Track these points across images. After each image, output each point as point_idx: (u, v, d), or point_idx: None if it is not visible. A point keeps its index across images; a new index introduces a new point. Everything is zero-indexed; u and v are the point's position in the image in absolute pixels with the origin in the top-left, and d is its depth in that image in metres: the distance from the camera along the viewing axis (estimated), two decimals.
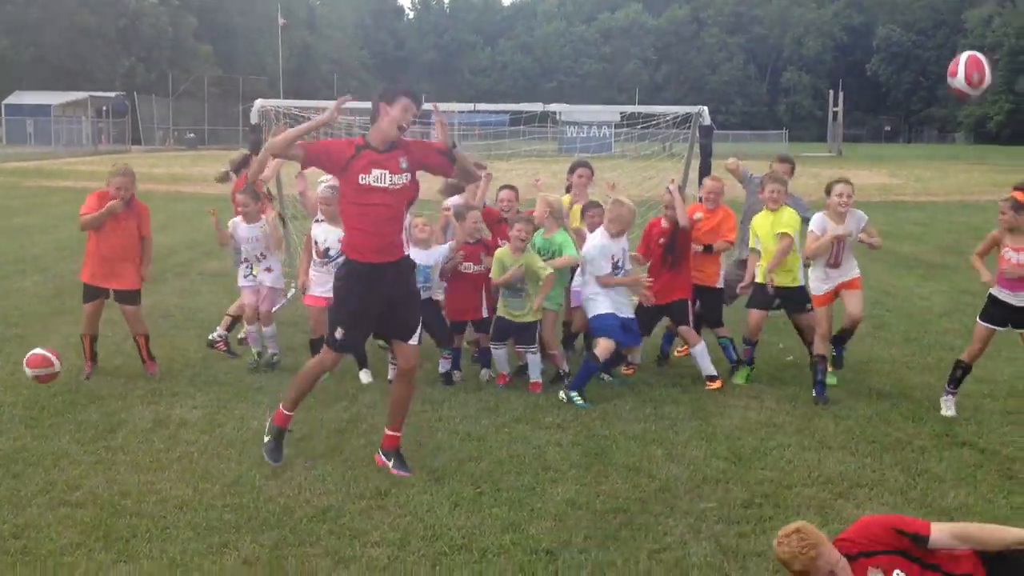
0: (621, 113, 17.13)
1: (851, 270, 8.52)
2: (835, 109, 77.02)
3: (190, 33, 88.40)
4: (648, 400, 8.29)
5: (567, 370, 8.82)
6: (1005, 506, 6.05)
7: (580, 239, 8.89)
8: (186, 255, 17.18)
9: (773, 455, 6.96)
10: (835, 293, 8.50)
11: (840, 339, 8.89)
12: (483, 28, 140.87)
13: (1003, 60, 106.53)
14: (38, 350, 8.05)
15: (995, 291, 7.85)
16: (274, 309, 9.35)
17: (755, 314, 8.87)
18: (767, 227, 8.69)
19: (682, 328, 8.91)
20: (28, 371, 7.94)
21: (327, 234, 8.68)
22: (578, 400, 8.09)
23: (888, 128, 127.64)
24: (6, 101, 71.43)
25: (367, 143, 6.22)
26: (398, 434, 6.58)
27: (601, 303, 8.44)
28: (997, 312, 7.84)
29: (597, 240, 8.53)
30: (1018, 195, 7.75)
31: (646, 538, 5.51)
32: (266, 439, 6.59)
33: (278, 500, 5.95)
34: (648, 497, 6.12)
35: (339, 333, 6.36)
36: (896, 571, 4.40)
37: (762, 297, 8.80)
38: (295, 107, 12.70)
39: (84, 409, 7.74)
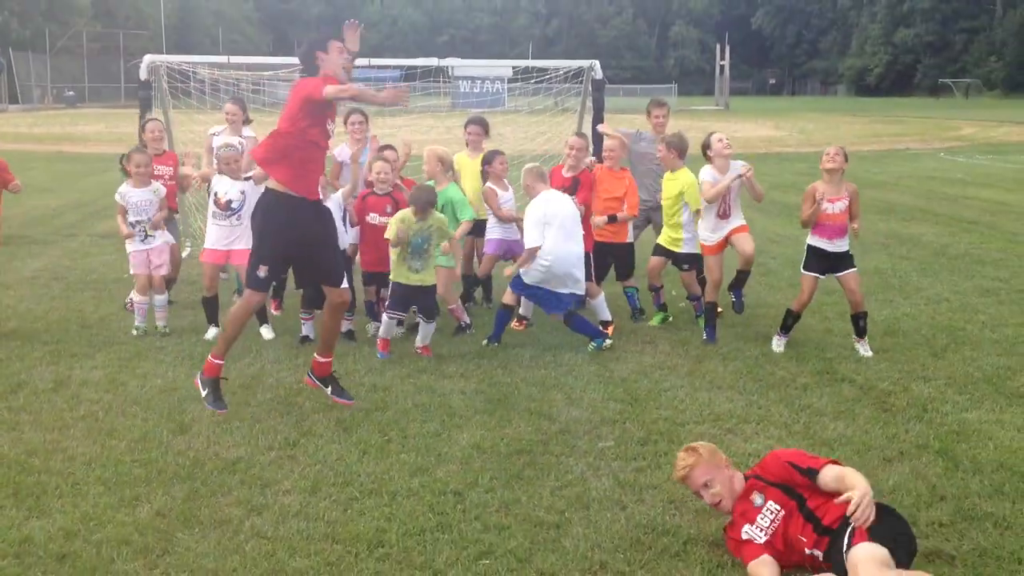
0: (514, 68, 17.25)
1: (738, 219, 8.89)
2: (721, 63, 78.32)
3: None
4: (547, 348, 8.55)
5: (468, 322, 9.03)
6: (880, 436, 6.48)
7: (491, 196, 9.14)
8: (73, 216, 16.81)
9: (667, 396, 7.30)
10: (726, 241, 8.85)
11: (738, 282, 9.23)
12: None
13: (881, 12, 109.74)
14: None
15: (813, 241, 8.41)
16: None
17: (654, 260, 9.42)
18: (671, 190, 9.11)
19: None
20: None
21: (228, 187, 8.65)
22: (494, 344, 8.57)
23: (773, 81, 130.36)
24: None
25: None
26: (330, 359, 6.91)
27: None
28: (817, 262, 8.41)
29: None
30: (842, 148, 8.44)
31: (548, 476, 5.76)
32: (204, 392, 6.61)
33: (187, 454, 6.02)
34: (549, 439, 6.38)
35: (261, 271, 6.49)
36: (769, 500, 4.72)
37: (661, 251, 9.39)
38: (185, 63, 12.51)
39: None
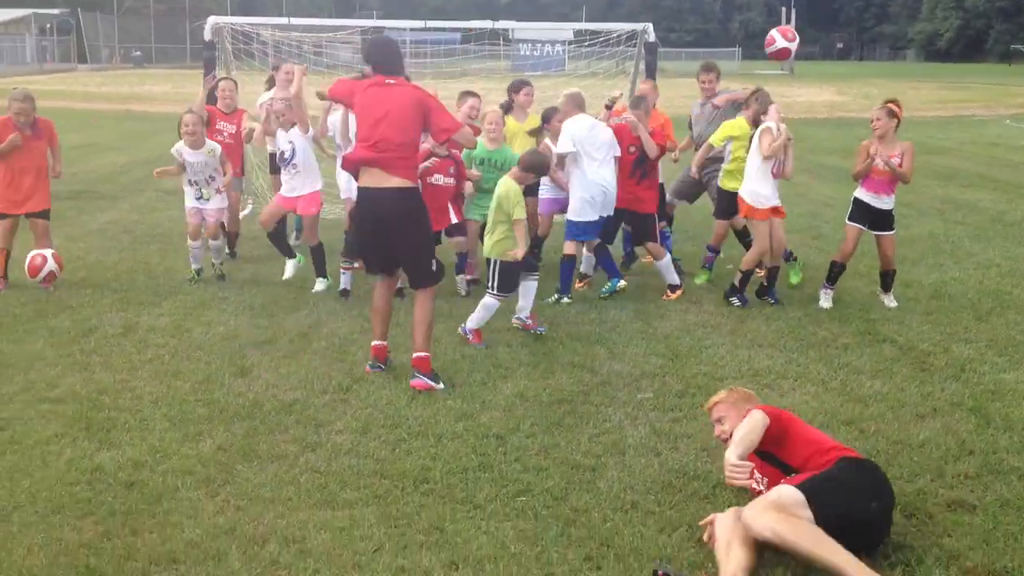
0: (573, 31, 17.33)
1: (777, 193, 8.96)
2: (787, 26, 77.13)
3: None
4: (593, 306, 8.78)
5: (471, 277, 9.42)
6: (916, 393, 6.62)
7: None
8: (140, 172, 17.28)
9: (708, 352, 7.50)
10: (772, 212, 8.89)
11: (770, 282, 9.08)
12: None
13: None
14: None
15: (860, 194, 8.64)
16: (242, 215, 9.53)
17: (720, 224, 9.71)
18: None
19: (649, 244, 9.35)
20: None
21: (280, 140, 9.12)
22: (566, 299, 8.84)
23: (840, 45, 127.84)
24: None
25: None
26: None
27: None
28: (861, 215, 8.64)
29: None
30: (893, 106, 8.47)
31: (587, 424, 6.01)
32: (439, 386, 6.57)
33: (247, 395, 6.38)
34: (590, 390, 6.63)
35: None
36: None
37: (726, 205, 9.50)
38: (248, 24, 12.83)
39: (55, 317, 8.08)
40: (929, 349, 7.62)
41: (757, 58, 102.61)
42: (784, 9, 79.66)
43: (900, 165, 8.37)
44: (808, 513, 4.28)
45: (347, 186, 9.22)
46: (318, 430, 5.83)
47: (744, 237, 9.52)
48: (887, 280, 8.85)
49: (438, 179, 8.89)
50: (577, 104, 9.01)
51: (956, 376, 6.98)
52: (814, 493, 4.35)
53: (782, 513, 4.26)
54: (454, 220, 9.03)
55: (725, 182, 9.43)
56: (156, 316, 8.16)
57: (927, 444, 5.74)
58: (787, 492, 4.38)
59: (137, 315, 8.16)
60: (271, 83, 10.64)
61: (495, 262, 7.69)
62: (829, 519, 4.28)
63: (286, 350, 7.32)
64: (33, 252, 8.82)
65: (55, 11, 72.67)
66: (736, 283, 8.91)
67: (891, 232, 8.63)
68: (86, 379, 6.64)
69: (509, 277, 7.71)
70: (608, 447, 5.67)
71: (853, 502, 4.41)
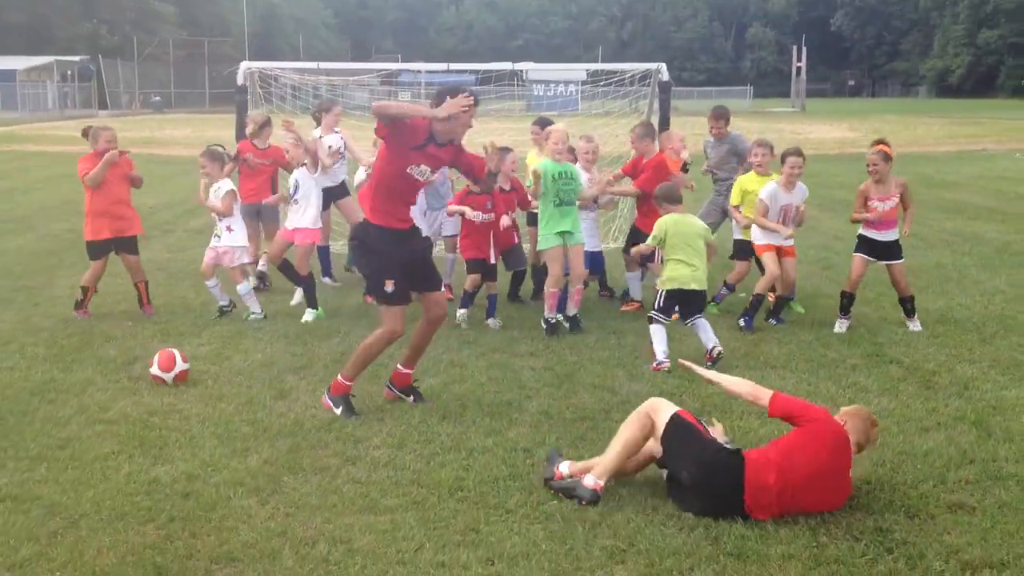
0: (587, 71, 17.83)
1: (791, 237, 9.49)
2: (798, 64, 77.89)
3: None
4: (612, 332, 9.18)
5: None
6: (921, 409, 6.97)
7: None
8: (168, 214, 17.84)
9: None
10: (777, 249, 9.39)
11: (777, 309, 9.67)
12: None
13: (964, 13, 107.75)
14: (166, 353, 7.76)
15: (864, 231, 9.22)
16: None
17: (741, 264, 10.17)
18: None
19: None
20: (165, 375, 7.53)
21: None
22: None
23: (852, 83, 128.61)
24: None
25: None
26: (412, 370, 7.18)
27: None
28: (867, 248, 9.20)
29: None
30: (885, 148, 8.91)
31: (608, 438, 6.34)
32: (338, 411, 6.82)
33: (288, 415, 6.79)
34: (611, 408, 7.00)
35: (389, 286, 6.76)
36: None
37: (744, 249, 10.04)
38: (278, 69, 13.38)
39: (101, 346, 8.53)
40: (934, 369, 7.97)
41: (768, 96, 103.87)
42: (795, 47, 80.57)
43: (899, 202, 8.91)
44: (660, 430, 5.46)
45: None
46: (357, 445, 6.23)
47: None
48: (907, 306, 9.25)
49: (476, 215, 9.31)
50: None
51: (960, 393, 7.33)
52: (676, 427, 5.45)
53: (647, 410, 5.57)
54: (493, 260, 9.53)
55: (743, 232, 9.99)
56: (196, 345, 8.58)
57: (930, 454, 6.08)
58: (663, 406, 5.59)
59: (178, 344, 8.55)
60: (318, 120, 11.20)
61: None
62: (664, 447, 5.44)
63: (321, 375, 7.72)
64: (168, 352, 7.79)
65: (76, 58, 74.14)
66: (748, 306, 9.37)
67: (899, 261, 9.09)
68: (136, 402, 7.06)
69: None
70: None
71: (676, 454, 5.42)
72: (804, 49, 77.74)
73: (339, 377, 6.95)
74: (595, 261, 10.26)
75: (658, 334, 8.14)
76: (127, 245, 9.72)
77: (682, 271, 8.17)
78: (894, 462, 5.97)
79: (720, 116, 10.82)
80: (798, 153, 9.40)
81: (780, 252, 9.43)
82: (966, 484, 5.65)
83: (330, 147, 10.50)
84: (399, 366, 7.20)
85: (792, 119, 57.35)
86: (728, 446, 5.60)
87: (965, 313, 9.88)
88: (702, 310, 8.46)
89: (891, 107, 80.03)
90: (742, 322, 9.28)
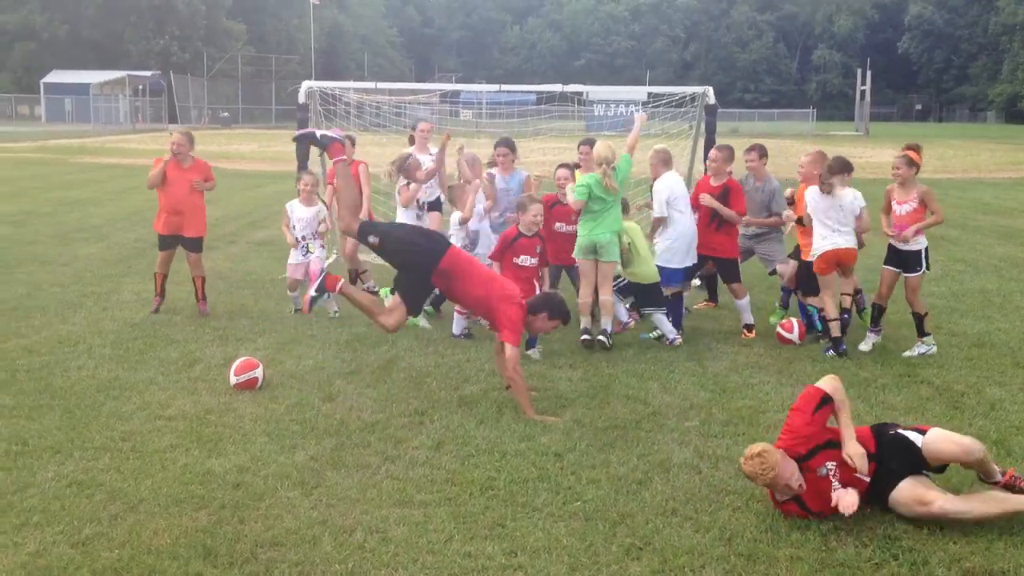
0: (649, 93, 18.12)
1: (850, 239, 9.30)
2: (863, 88, 77.20)
3: (223, 11, 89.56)
4: (648, 346, 9.48)
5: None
6: (945, 426, 7.14)
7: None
8: (233, 225, 18.46)
9: (754, 389, 8.13)
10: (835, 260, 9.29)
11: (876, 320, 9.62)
12: (512, 6, 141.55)
13: None
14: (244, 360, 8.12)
15: (891, 241, 9.32)
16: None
17: (791, 265, 10.37)
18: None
19: (734, 285, 10.18)
20: (235, 378, 7.88)
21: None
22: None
23: (919, 107, 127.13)
24: (44, 80, 73.19)
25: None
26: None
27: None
28: (891, 257, 9.32)
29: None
30: (911, 153, 9.11)
31: (637, 446, 6.69)
32: (313, 292, 7.76)
33: (334, 416, 7.19)
34: (642, 419, 7.30)
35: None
36: (827, 463, 5.57)
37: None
38: (339, 88, 13.90)
39: (164, 349, 9.03)
40: (963, 390, 8.14)
41: (834, 119, 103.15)
42: (860, 71, 79.92)
43: (919, 208, 9.10)
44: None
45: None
46: (397, 446, 6.61)
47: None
48: (915, 322, 9.30)
49: (524, 260, 9.29)
50: (664, 161, 9.85)
51: (985, 414, 7.51)
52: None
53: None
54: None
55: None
56: (252, 350, 9.03)
57: (949, 471, 6.27)
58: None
59: (236, 349, 9.05)
60: (411, 140, 11.63)
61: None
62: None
63: (369, 380, 8.13)
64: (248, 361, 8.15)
65: (147, 73, 76.18)
66: (830, 336, 9.30)
67: (916, 273, 9.19)
68: (194, 401, 7.52)
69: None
70: (655, 465, 6.33)
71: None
72: (869, 72, 77.06)
73: (340, 285, 7.73)
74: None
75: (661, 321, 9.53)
76: (187, 243, 10.49)
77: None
78: None
79: (752, 148, 10.53)
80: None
81: (838, 261, 9.24)
82: None
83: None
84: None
85: (855, 142, 56.95)
86: None
87: (1003, 337, 10.00)
88: (661, 304, 9.58)
89: (957, 132, 79.12)
90: (830, 352, 9.19)
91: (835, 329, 9.22)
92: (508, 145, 10.96)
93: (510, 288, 7.71)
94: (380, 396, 7.70)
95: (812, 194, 9.37)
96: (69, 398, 7.54)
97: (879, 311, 9.47)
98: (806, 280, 9.87)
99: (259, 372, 7.89)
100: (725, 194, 9.95)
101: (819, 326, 9.69)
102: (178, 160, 10.29)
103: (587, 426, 7.09)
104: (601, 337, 9.25)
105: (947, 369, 8.78)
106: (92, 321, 10.09)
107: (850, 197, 9.17)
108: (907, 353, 9.20)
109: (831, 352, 9.20)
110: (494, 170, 10.84)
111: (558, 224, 10.01)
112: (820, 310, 9.57)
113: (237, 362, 7.99)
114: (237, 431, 6.85)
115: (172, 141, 10.32)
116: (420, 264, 7.65)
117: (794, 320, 9.87)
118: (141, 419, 7.09)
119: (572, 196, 9.22)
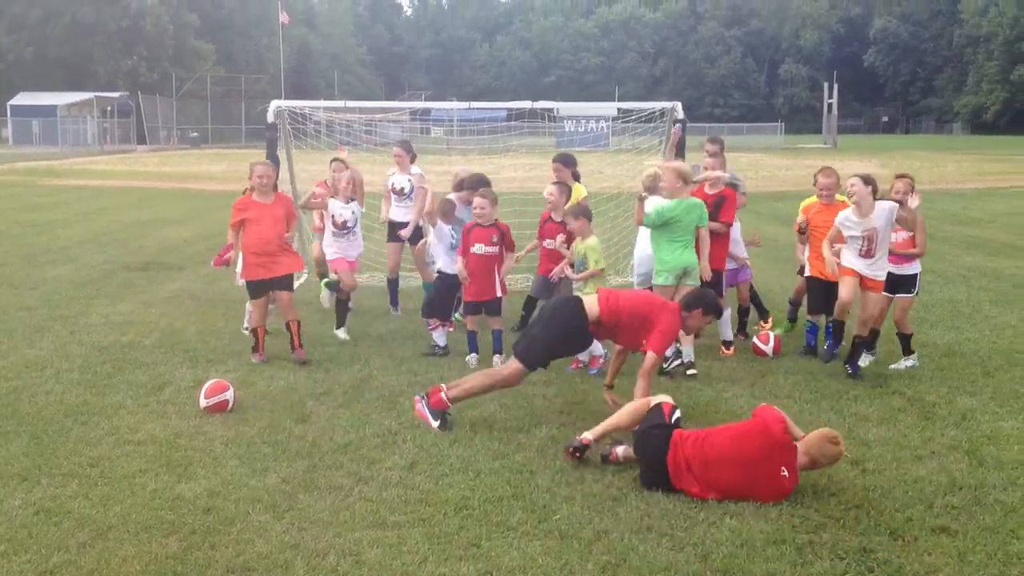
0: (619, 108, 18.20)
1: (882, 268, 9.04)
2: (829, 101, 77.98)
3: (192, 32, 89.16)
4: (626, 362, 9.42)
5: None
6: (917, 438, 7.20)
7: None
8: (202, 245, 18.31)
9: (728, 402, 8.13)
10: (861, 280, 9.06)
11: (871, 343, 9.56)
12: (481, 24, 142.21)
13: (998, 50, 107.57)
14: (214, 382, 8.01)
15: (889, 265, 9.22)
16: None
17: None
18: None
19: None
20: (204, 401, 7.78)
21: (342, 209, 10.47)
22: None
23: (886, 119, 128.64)
24: (11, 102, 72.52)
25: None
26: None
27: None
28: (887, 279, 9.18)
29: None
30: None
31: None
32: (435, 425, 7.34)
33: (306, 438, 7.12)
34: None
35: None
36: None
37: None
38: (308, 107, 13.83)
39: (132, 372, 8.92)
40: (935, 400, 8.19)
41: (801, 132, 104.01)
42: (827, 84, 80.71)
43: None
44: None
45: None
46: (370, 467, 6.55)
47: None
48: (901, 342, 9.39)
49: (479, 248, 9.37)
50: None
51: (957, 424, 7.55)
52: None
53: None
54: (499, 293, 9.51)
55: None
56: (223, 372, 8.93)
57: (921, 480, 6.32)
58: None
59: (206, 371, 8.95)
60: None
61: None
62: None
63: (341, 400, 8.07)
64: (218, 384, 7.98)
65: (116, 94, 75.66)
66: (849, 355, 9.17)
67: (907, 295, 9.31)
68: (164, 425, 7.43)
69: None
70: (629, 481, 6.31)
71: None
72: (836, 86, 77.90)
73: (443, 394, 7.39)
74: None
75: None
76: (279, 283, 9.50)
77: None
78: (884, 487, 6.21)
79: (714, 141, 10.75)
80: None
81: (863, 283, 9.03)
82: (952, 509, 5.88)
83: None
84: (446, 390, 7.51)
85: (823, 155, 57.43)
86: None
87: (972, 347, 10.07)
88: None
89: (924, 143, 79.95)
90: (849, 369, 9.00)
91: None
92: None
93: (658, 297, 8.14)
94: (353, 416, 7.64)
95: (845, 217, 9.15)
96: (36, 424, 7.42)
97: (874, 335, 9.49)
98: (813, 297, 9.89)
99: (229, 394, 7.81)
100: (719, 203, 9.80)
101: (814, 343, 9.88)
102: (262, 196, 9.46)
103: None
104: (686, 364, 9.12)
105: (918, 380, 8.83)
106: (59, 345, 9.96)
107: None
108: (894, 366, 9.27)
109: (849, 369, 9.03)
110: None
111: (548, 241, 9.97)
112: (828, 323, 9.67)
113: (207, 384, 7.90)
114: (208, 454, 6.77)
115: (256, 173, 9.39)
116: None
117: (771, 333, 9.90)
118: (110, 444, 6.99)
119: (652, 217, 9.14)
